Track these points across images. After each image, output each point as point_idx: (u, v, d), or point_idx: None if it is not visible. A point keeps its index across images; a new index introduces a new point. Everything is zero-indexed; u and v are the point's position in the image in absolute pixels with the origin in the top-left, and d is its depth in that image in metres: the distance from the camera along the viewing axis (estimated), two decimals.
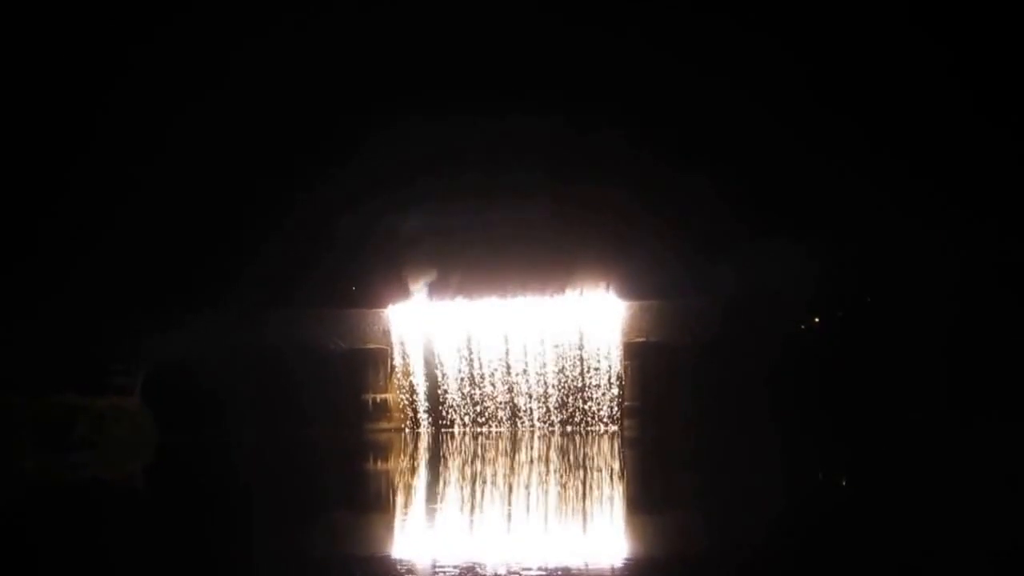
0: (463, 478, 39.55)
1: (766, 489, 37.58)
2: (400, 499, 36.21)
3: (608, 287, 63.07)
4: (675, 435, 58.55)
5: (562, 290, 63.18)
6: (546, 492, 35.43)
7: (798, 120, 62.56)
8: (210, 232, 63.35)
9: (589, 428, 61.75)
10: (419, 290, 64.39)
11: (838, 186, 61.60)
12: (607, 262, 62.91)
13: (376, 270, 64.40)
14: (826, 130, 61.93)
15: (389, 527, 30.71)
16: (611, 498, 35.20)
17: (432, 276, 63.68)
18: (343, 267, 64.65)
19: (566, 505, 32.93)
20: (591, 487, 37.11)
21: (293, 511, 33.27)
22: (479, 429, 62.23)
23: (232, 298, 61.88)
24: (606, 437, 58.61)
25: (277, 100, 63.75)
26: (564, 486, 36.77)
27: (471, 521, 30.84)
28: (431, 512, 32.78)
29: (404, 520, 31.92)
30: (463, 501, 34.10)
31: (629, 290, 63.33)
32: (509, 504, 33.33)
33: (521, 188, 63.04)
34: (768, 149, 62.80)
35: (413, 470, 44.15)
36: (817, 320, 62.84)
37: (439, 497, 35.49)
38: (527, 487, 36.63)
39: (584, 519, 30.97)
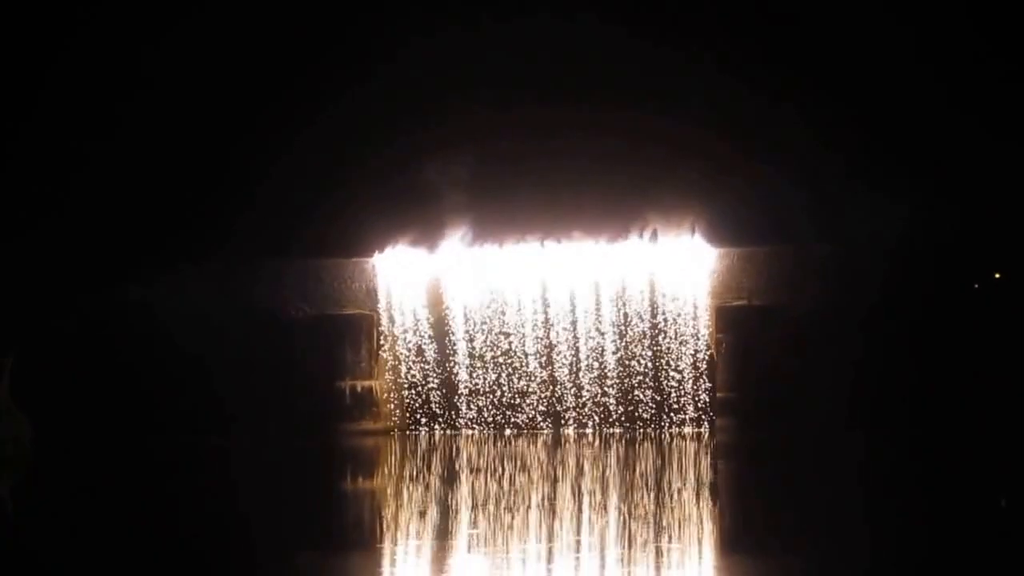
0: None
1: None
2: None
3: (694, 228, 55.60)
4: (797, 445, 50.09)
5: (626, 233, 55.87)
6: None
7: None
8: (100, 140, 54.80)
9: (663, 429, 54.64)
10: (422, 230, 56.16)
11: None
12: (692, 191, 54.88)
13: (358, 201, 55.16)
14: None
15: None
16: None
17: (443, 209, 55.52)
18: (308, 195, 54.86)
19: None
20: None
21: None
22: (507, 430, 54.92)
23: (150, 242, 53.30)
24: (690, 445, 51.70)
25: None
26: None
27: None
28: None
29: None
30: None
31: (723, 231, 55.61)
32: None
33: (571, 81, 55.26)
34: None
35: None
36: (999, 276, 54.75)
37: None
38: None
39: None
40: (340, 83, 54.66)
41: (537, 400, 55.19)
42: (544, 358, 55.00)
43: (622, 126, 53.79)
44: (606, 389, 54.94)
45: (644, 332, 55.01)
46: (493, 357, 55.05)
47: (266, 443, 50.91)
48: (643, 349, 54.95)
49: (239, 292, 54.06)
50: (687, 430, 54.24)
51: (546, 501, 34.34)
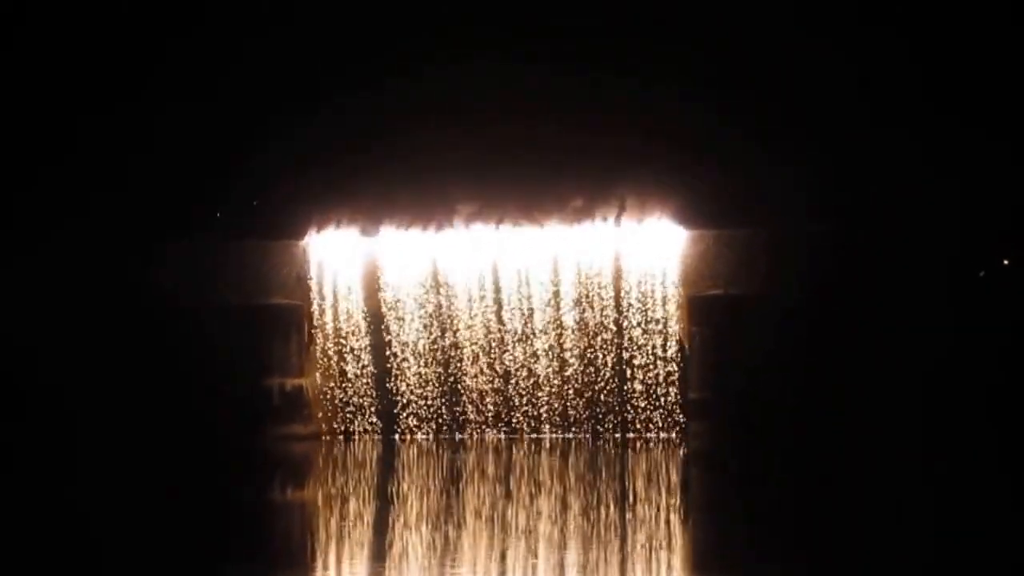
0: None
1: None
2: None
3: (662, 209, 53.21)
4: (787, 460, 47.79)
5: (587, 214, 53.70)
6: None
7: None
8: None
9: (628, 435, 52.51)
10: (363, 209, 53.79)
11: None
12: (660, 166, 52.32)
13: (289, 176, 52.66)
14: None
15: None
16: None
17: (386, 187, 53.22)
18: (227, 166, 51.97)
19: None
20: None
21: None
22: (456, 435, 52.98)
23: (47, 223, 50.33)
24: (659, 454, 50.41)
25: None
26: None
27: None
28: None
29: None
30: None
31: (696, 211, 53.31)
32: None
33: (532, 42, 52.74)
34: None
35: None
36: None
37: None
38: None
39: None
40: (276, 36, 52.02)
41: (488, 402, 52.54)
42: (496, 354, 52.36)
43: (584, 96, 51.78)
44: (564, 390, 52.31)
45: (607, 325, 52.29)
46: (439, 353, 52.46)
47: (177, 450, 48.03)
48: (606, 344, 52.26)
49: (155, 280, 50.89)
50: (655, 435, 51.62)
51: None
